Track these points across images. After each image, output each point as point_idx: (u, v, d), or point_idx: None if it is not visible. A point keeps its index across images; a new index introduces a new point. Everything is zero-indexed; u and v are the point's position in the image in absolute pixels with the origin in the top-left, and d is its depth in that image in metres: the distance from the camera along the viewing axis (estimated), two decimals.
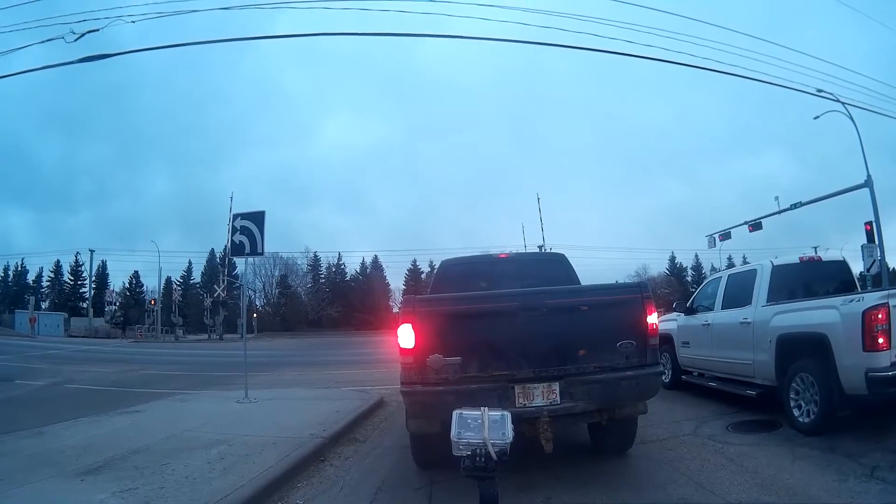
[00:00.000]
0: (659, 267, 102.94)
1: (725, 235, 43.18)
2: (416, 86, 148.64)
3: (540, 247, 67.29)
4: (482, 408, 2.77)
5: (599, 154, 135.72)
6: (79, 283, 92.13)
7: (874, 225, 29.65)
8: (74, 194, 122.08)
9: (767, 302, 8.91)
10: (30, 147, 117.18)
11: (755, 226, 40.24)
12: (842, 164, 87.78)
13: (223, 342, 53.96)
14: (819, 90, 30.34)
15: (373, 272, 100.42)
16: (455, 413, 2.85)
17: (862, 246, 30.01)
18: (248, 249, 12.04)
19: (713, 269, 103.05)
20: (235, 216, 12.43)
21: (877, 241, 29.43)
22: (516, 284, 7.81)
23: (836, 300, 7.39)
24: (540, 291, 6.33)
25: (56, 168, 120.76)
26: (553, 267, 8.92)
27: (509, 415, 2.79)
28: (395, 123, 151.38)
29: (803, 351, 7.80)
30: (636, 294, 5.96)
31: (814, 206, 35.72)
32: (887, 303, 6.67)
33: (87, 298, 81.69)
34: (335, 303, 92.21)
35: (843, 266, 10.21)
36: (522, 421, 5.28)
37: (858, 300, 7.00)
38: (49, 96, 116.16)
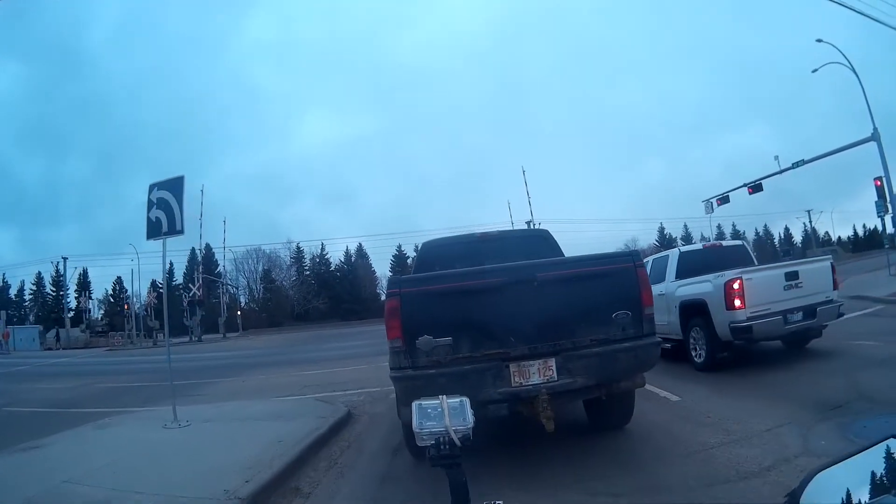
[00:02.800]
0: (648, 238, 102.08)
1: (724, 199, 42.26)
2: (393, 75, 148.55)
3: (528, 223, 65.92)
4: (441, 396, 2.31)
5: (581, 133, 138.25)
6: (61, 293, 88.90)
7: (884, 180, 28.36)
8: (56, 207, 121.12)
9: (675, 279, 11.72)
10: (7, 162, 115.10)
11: (755, 187, 39.45)
12: (825, 130, 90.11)
13: (202, 343, 51.85)
14: (819, 39, 31.81)
15: (358, 260, 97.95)
16: (414, 404, 2.31)
17: (875, 202, 28.91)
18: (165, 228, 9.75)
19: (703, 238, 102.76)
20: (152, 187, 10.05)
21: (888, 196, 28.19)
22: (500, 262, 7.05)
23: (711, 276, 10.30)
24: (530, 264, 6.10)
25: (36, 182, 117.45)
26: (537, 243, 8.90)
27: (468, 399, 2.28)
28: (375, 114, 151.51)
29: (695, 312, 10.66)
30: (629, 263, 5.84)
31: (800, 171, 36.19)
32: (741, 277, 9.67)
33: (71, 309, 78.89)
34: (321, 294, 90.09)
35: (742, 249, 13.08)
36: (520, 401, 5.36)
37: (722, 276, 9.93)
38: (24, 110, 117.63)
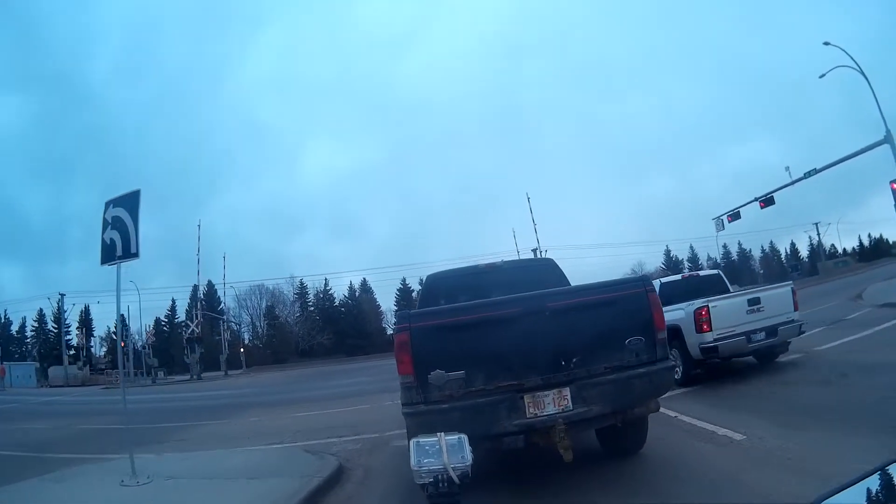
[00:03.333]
0: (655, 261, 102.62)
1: (734, 216, 41.61)
2: (396, 105, 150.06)
3: (534, 250, 65.19)
4: (439, 433, 2.63)
5: (585, 155, 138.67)
6: (59, 330, 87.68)
7: None
8: (60, 242, 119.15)
9: None
10: (12, 195, 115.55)
11: (767, 201, 38.73)
12: (829, 140, 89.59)
13: (202, 381, 50.11)
14: (826, 42, 31.45)
15: (362, 295, 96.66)
16: (412, 442, 2.66)
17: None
18: (119, 251, 8.44)
19: (709, 259, 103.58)
20: (107, 204, 8.76)
21: None
22: (505, 293, 6.93)
23: (684, 304, 11.62)
24: (541, 294, 5.89)
25: (41, 216, 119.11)
26: (542, 272, 8.87)
27: (465, 437, 2.61)
28: (378, 145, 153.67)
29: (672, 336, 10.69)
30: (640, 288, 5.77)
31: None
32: (707, 305, 11.18)
33: (71, 346, 77.69)
34: (326, 330, 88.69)
35: (717, 277, 14.19)
36: (536, 431, 5.29)
37: (692, 304, 11.38)
38: (28, 143, 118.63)
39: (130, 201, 8.54)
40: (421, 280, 52.79)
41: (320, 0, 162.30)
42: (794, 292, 12.03)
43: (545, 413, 5.25)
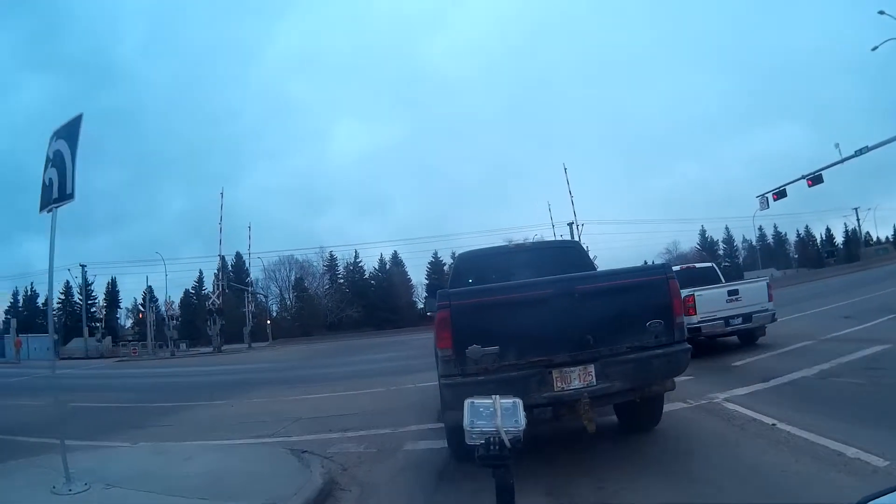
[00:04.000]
0: (690, 241, 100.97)
1: (780, 194, 40.01)
2: (424, 83, 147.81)
3: (570, 224, 62.62)
4: (494, 396, 2.67)
5: (613, 136, 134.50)
6: (89, 302, 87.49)
7: None
8: (92, 219, 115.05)
9: None
10: (40, 175, 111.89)
11: (815, 179, 37.30)
12: (858, 126, 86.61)
13: (222, 354, 48.67)
14: (881, 11, 31.88)
15: (393, 268, 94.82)
16: (466, 402, 2.73)
17: None
18: (55, 193, 6.62)
19: (744, 242, 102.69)
20: (52, 137, 6.89)
21: None
22: (532, 273, 7.65)
23: None
24: (571, 277, 6.35)
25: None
26: (568, 254, 9.30)
27: (520, 402, 2.66)
28: (406, 121, 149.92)
29: None
30: (661, 275, 6.10)
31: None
32: (693, 294, 12.94)
33: (98, 318, 76.87)
34: (355, 303, 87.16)
35: (711, 270, 16.65)
36: (563, 404, 5.60)
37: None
38: (58, 121, 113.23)
39: (70, 130, 6.65)
40: (453, 254, 54.89)
41: None
42: (769, 286, 14.44)
43: (571, 387, 5.57)
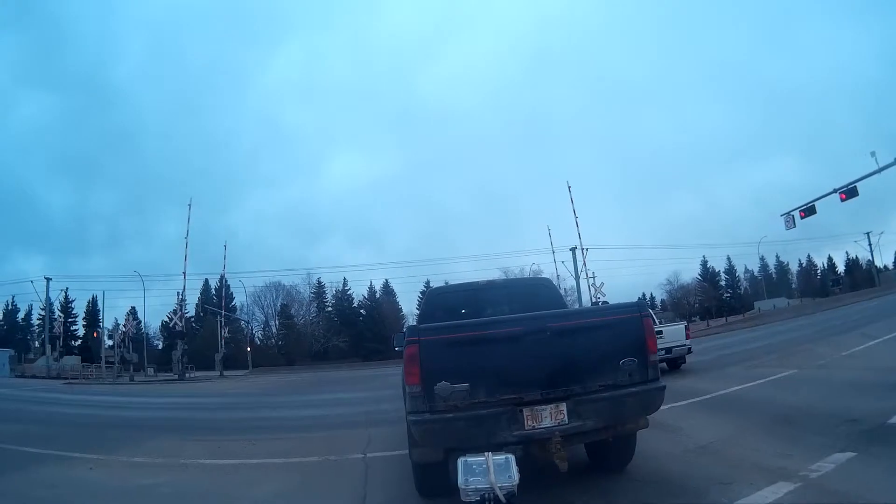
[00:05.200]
0: (692, 272, 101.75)
1: (809, 210, 37.29)
2: (419, 113, 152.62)
3: (573, 249, 59.73)
4: (486, 453, 2.82)
5: (609, 167, 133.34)
6: (69, 320, 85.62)
7: None
8: (84, 239, 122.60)
9: None
10: (38, 193, 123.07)
11: (848, 192, 34.59)
12: (852, 159, 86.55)
13: (182, 382, 43.86)
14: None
15: (383, 297, 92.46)
16: (460, 461, 2.90)
17: None
18: None
19: (746, 272, 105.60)
20: None
21: None
22: (503, 310, 8.09)
23: None
24: (543, 315, 6.35)
25: (65, 213, 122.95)
26: (539, 291, 9.34)
27: (513, 457, 2.81)
28: (401, 151, 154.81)
29: None
30: (635, 313, 6.09)
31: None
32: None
33: (78, 337, 73.50)
34: (342, 332, 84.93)
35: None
36: (533, 443, 5.57)
37: None
38: (56, 143, 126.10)
39: None
40: (446, 283, 52.62)
41: (344, 9, 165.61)
42: (686, 328, 20.63)
43: (542, 426, 5.54)
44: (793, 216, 37.97)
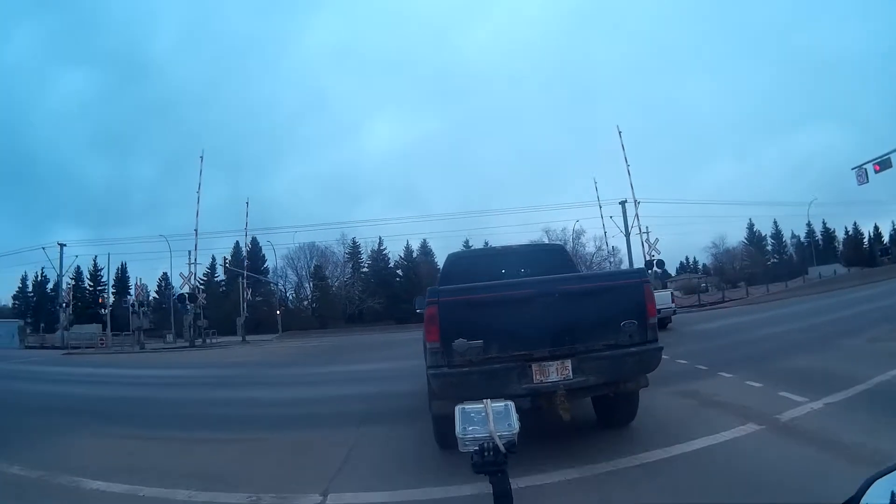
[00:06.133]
0: (737, 235, 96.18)
1: (884, 164, 33.83)
2: (459, 75, 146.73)
3: (623, 203, 55.07)
4: (485, 400, 2.55)
5: (650, 132, 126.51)
6: (98, 289, 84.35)
7: None
8: (126, 210, 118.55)
9: None
10: (79, 167, 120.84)
11: None
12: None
13: (193, 350, 40.75)
14: None
15: (420, 257, 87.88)
16: (457, 408, 2.59)
17: None
18: None
19: (793, 237, 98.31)
20: None
21: None
22: (517, 274, 8.45)
23: None
24: (552, 279, 6.80)
25: (106, 185, 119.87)
26: (551, 256, 10.15)
27: (513, 404, 2.52)
28: (442, 114, 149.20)
29: None
30: (637, 279, 6.53)
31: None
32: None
33: (107, 306, 70.93)
34: (377, 294, 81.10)
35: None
36: (540, 395, 6.01)
37: None
38: (96, 117, 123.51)
39: None
40: (486, 244, 53.77)
41: None
42: (672, 295, 27.59)
43: (549, 380, 5.93)
44: (865, 170, 34.31)
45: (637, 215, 52.32)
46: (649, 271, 50.24)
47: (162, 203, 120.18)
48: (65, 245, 59.56)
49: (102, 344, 46.85)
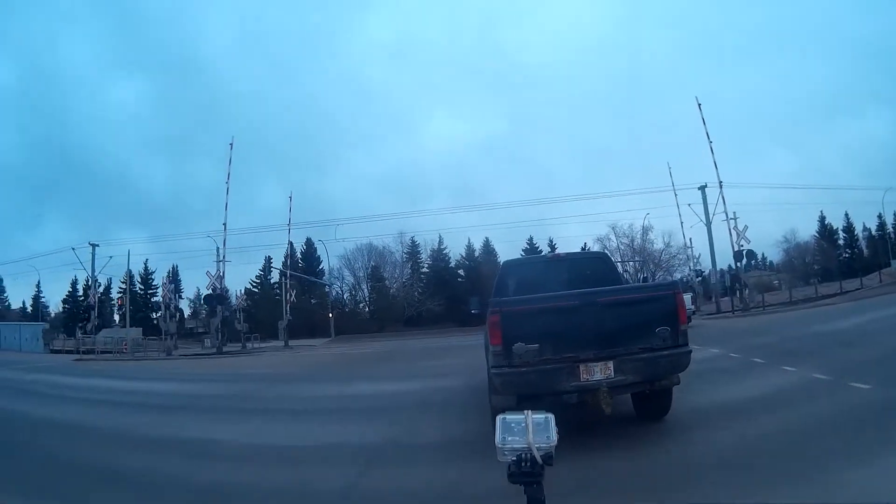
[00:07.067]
0: (809, 229, 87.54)
1: None
2: (517, 70, 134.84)
3: (702, 188, 49.51)
4: (526, 411, 2.26)
5: (711, 121, 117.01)
6: (149, 293, 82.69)
7: None
8: (183, 214, 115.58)
9: None
10: (135, 169, 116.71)
11: None
12: None
13: (210, 359, 35.72)
14: None
15: (483, 257, 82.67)
16: (498, 418, 2.29)
17: None
18: None
19: (864, 230, 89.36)
20: None
21: None
22: (565, 280, 9.30)
23: None
24: (595, 291, 7.51)
25: (163, 189, 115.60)
26: (597, 265, 10.69)
27: (553, 416, 2.25)
28: (501, 111, 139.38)
29: None
30: (670, 291, 7.37)
31: None
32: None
33: (157, 309, 68.59)
34: (437, 295, 76.11)
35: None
36: (586, 391, 6.75)
37: None
38: (151, 121, 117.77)
39: None
40: (551, 242, 62.32)
41: None
42: (693, 297, 31.70)
43: (594, 379, 6.68)
44: None
45: (723, 199, 45.83)
46: (739, 263, 44.60)
47: (219, 206, 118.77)
48: (97, 245, 56.16)
49: (125, 349, 42.90)
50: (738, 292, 44.34)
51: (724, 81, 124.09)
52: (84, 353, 40.91)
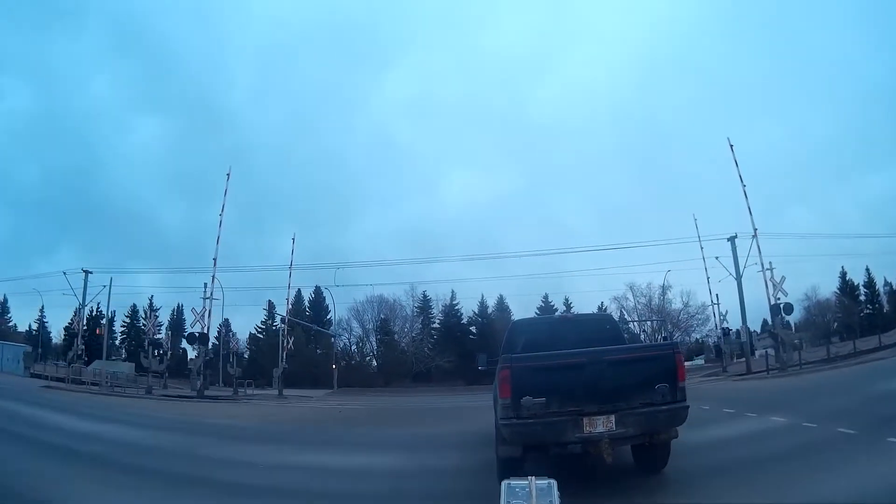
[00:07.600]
0: (830, 285, 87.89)
1: None
2: (534, 129, 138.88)
3: (731, 238, 47.44)
4: (529, 477, 2.78)
5: (723, 177, 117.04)
6: (154, 326, 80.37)
7: None
8: (200, 258, 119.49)
9: None
10: (152, 210, 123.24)
11: None
12: None
13: (194, 402, 33.58)
14: None
15: (496, 314, 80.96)
16: (503, 483, 2.82)
17: None
18: None
19: (886, 285, 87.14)
20: None
21: None
22: (572, 339, 9.44)
23: None
24: (600, 350, 7.96)
25: (181, 232, 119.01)
26: (602, 325, 11.32)
27: (555, 483, 2.81)
28: (518, 169, 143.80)
29: None
30: (669, 351, 7.84)
31: None
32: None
33: (161, 344, 67.35)
34: (448, 351, 74.81)
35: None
36: (590, 443, 7.11)
37: None
38: (171, 164, 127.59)
39: None
40: (567, 300, 65.92)
41: (453, 27, 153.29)
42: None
43: (597, 431, 7.07)
44: None
45: (758, 247, 42.50)
46: (777, 317, 41.24)
47: (233, 252, 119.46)
48: (90, 272, 55.34)
49: (106, 382, 39.87)
50: (776, 350, 40.93)
51: (742, 133, 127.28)
52: (54, 380, 39.19)
